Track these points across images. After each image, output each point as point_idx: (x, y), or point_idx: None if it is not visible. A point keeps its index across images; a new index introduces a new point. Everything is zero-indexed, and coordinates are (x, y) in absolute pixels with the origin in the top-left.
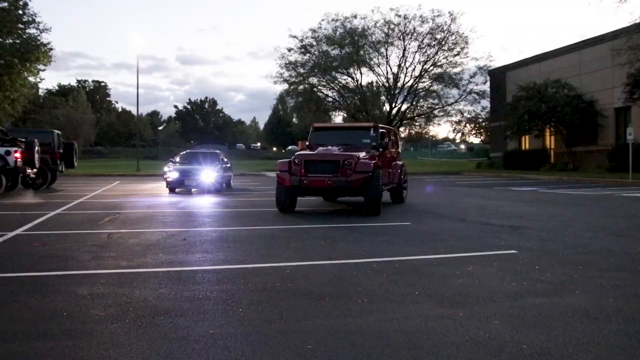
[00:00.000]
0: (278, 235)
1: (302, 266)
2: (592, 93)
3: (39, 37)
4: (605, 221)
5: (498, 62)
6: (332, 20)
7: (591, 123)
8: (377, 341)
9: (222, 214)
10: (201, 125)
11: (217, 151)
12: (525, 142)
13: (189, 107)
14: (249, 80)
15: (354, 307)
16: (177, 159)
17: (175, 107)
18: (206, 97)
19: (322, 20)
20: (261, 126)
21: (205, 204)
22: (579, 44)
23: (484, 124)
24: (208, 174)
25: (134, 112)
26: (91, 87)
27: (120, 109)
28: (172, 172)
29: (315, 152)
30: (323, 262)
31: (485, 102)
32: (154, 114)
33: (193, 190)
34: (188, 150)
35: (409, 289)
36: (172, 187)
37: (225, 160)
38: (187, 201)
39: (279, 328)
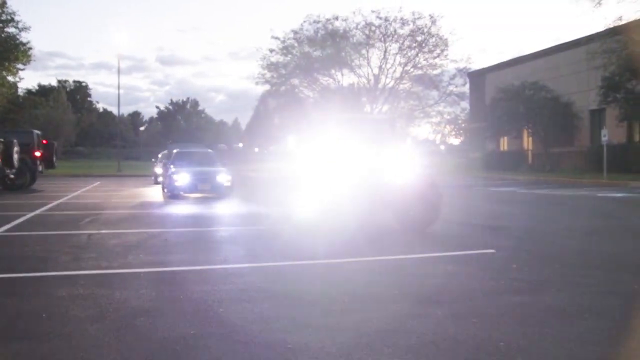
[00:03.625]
0: (261, 236)
1: (283, 266)
2: (569, 95)
3: (17, 36)
4: (581, 221)
5: (477, 65)
6: (314, 21)
7: (568, 125)
8: (358, 340)
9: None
10: (183, 126)
11: (210, 150)
12: (504, 144)
13: (170, 107)
14: (230, 81)
15: (335, 307)
16: (172, 159)
17: (157, 107)
18: (188, 98)
19: (304, 21)
20: (243, 127)
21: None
22: (556, 47)
23: (463, 125)
24: (224, 177)
25: (115, 112)
26: (72, 87)
27: (101, 109)
28: (180, 175)
29: None
30: (305, 261)
31: (465, 104)
32: (135, 115)
33: (188, 194)
34: (178, 150)
35: (389, 288)
36: (177, 193)
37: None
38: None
39: (259, 328)
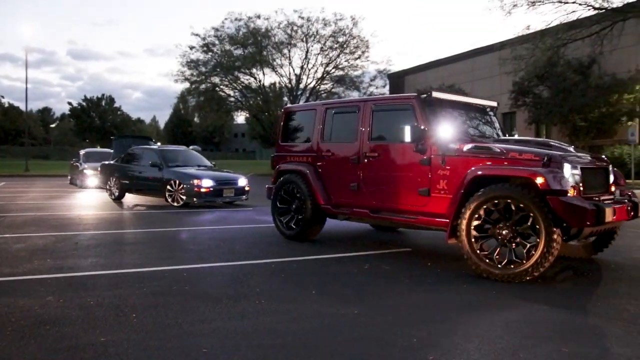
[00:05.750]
0: (175, 237)
1: (200, 268)
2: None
3: None
4: None
5: (397, 67)
6: (236, 19)
7: None
8: (274, 341)
9: None
10: (98, 124)
11: (184, 147)
12: None
13: (84, 104)
14: (147, 78)
15: (251, 309)
16: (162, 160)
17: (70, 104)
18: (103, 95)
19: (226, 19)
20: (161, 125)
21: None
22: (472, 52)
23: None
24: (243, 181)
25: (23, 108)
26: None
27: (6, 104)
28: (204, 180)
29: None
30: (222, 263)
31: None
32: (46, 111)
33: (210, 202)
34: (163, 148)
35: (306, 288)
36: (201, 201)
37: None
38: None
39: (174, 332)
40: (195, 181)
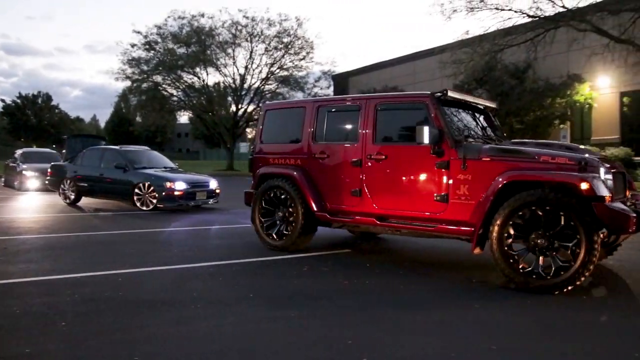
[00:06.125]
0: (112, 241)
1: (135, 273)
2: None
3: None
4: None
5: (342, 68)
6: (179, 17)
7: None
8: (209, 347)
9: None
10: (34, 122)
11: (146, 148)
12: None
13: (18, 101)
14: (86, 75)
15: (187, 313)
16: (127, 161)
17: (3, 101)
18: (39, 92)
19: (169, 17)
20: (102, 124)
21: None
22: (413, 55)
23: None
24: (214, 183)
25: None
26: None
27: None
28: (178, 183)
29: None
30: (159, 267)
31: None
32: None
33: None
34: (125, 149)
35: (245, 291)
36: (173, 205)
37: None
38: None
39: (105, 340)
40: (168, 184)
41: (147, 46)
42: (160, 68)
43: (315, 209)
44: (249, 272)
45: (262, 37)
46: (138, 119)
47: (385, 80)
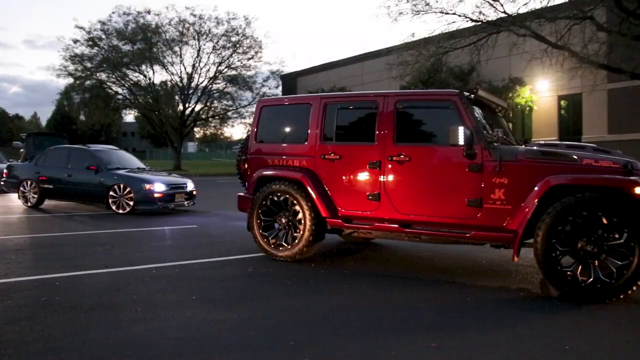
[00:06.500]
0: (54, 244)
1: (74, 277)
2: None
3: None
4: None
5: (290, 68)
6: (124, 13)
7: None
8: (147, 351)
9: None
10: None
11: (114, 147)
12: None
13: None
14: (26, 71)
15: (126, 318)
16: (100, 162)
17: None
18: None
19: (113, 12)
20: (43, 122)
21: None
22: (361, 56)
23: None
24: (191, 185)
25: None
26: None
27: None
28: (157, 185)
29: None
30: (98, 270)
31: None
32: None
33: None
34: (97, 148)
35: (187, 294)
36: (155, 208)
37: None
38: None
39: (38, 348)
40: (147, 186)
41: (90, 42)
42: (105, 65)
43: (326, 215)
44: (192, 274)
45: (210, 35)
46: (82, 117)
47: (334, 81)
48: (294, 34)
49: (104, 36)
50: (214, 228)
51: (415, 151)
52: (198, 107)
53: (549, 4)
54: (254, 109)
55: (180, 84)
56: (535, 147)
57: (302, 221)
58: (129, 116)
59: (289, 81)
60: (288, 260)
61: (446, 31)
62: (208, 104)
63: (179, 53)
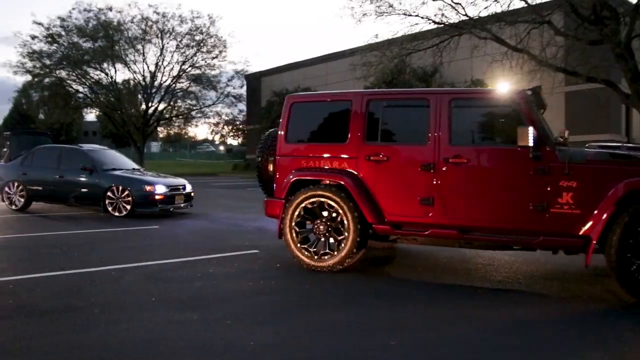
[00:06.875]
0: (7, 246)
1: (29, 279)
2: None
3: None
4: None
5: (254, 68)
6: (85, 10)
7: None
8: (103, 354)
9: None
10: None
11: (105, 147)
12: None
13: None
14: None
15: (82, 321)
16: (96, 162)
17: None
18: None
19: (73, 9)
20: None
21: None
22: (326, 57)
23: (241, 126)
24: (189, 186)
25: None
26: None
27: None
28: (158, 186)
29: None
30: (54, 273)
31: (242, 106)
32: None
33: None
34: (90, 149)
35: (146, 296)
36: (154, 210)
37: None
38: None
39: None
40: (148, 187)
41: (49, 39)
42: (65, 63)
43: (372, 220)
44: (152, 275)
45: (174, 34)
46: (41, 115)
47: (298, 81)
48: (258, 33)
49: (63, 33)
50: (176, 229)
51: (473, 152)
52: (161, 106)
53: (509, 8)
54: (218, 109)
55: (143, 83)
56: (597, 150)
57: (346, 228)
58: (91, 115)
59: (253, 81)
60: (324, 271)
61: (409, 33)
62: (172, 103)
63: (141, 51)
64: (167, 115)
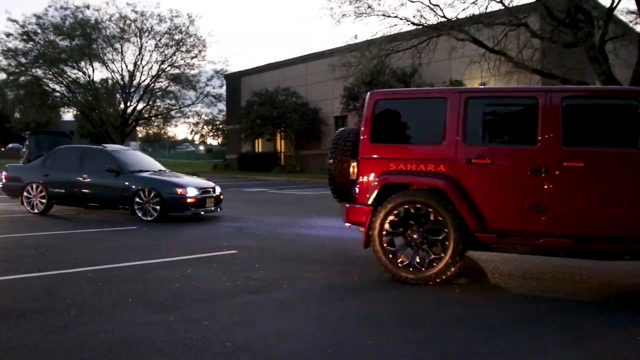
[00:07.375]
0: None
1: (4, 281)
2: (317, 102)
3: None
4: (323, 219)
5: (234, 67)
6: (62, 7)
7: (316, 129)
8: (79, 356)
9: None
10: None
11: (128, 148)
12: (259, 145)
13: None
14: None
15: (58, 322)
16: (125, 164)
17: None
18: None
19: (50, 6)
20: None
21: None
22: (305, 57)
23: (220, 126)
24: (218, 189)
25: None
26: None
27: None
28: (190, 189)
29: None
30: (31, 274)
31: (222, 105)
32: None
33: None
34: (114, 149)
35: (123, 297)
36: (187, 213)
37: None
38: None
39: None
40: (179, 190)
41: (24, 37)
42: (41, 61)
43: (475, 228)
44: (129, 277)
45: (153, 33)
46: (16, 114)
47: (278, 81)
48: (237, 33)
49: (39, 31)
50: (152, 230)
51: (591, 155)
52: (140, 105)
53: (487, 10)
54: (198, 109)
55: (122, 82)
56: None
57: (447, 236)
58: (68, 114)
59: (233, 81)
60: (419, 283)
61: (388, 34)
62: (151, 102)
63: (120, 50)
64: (146, 115)
